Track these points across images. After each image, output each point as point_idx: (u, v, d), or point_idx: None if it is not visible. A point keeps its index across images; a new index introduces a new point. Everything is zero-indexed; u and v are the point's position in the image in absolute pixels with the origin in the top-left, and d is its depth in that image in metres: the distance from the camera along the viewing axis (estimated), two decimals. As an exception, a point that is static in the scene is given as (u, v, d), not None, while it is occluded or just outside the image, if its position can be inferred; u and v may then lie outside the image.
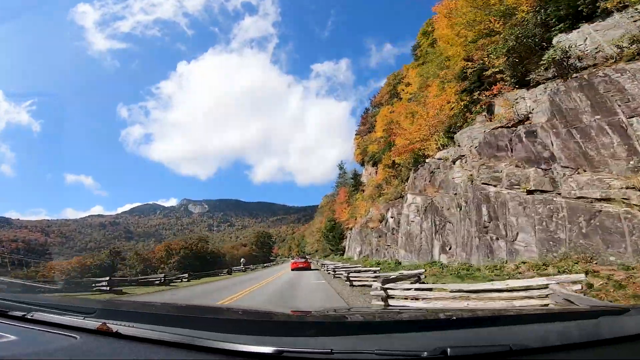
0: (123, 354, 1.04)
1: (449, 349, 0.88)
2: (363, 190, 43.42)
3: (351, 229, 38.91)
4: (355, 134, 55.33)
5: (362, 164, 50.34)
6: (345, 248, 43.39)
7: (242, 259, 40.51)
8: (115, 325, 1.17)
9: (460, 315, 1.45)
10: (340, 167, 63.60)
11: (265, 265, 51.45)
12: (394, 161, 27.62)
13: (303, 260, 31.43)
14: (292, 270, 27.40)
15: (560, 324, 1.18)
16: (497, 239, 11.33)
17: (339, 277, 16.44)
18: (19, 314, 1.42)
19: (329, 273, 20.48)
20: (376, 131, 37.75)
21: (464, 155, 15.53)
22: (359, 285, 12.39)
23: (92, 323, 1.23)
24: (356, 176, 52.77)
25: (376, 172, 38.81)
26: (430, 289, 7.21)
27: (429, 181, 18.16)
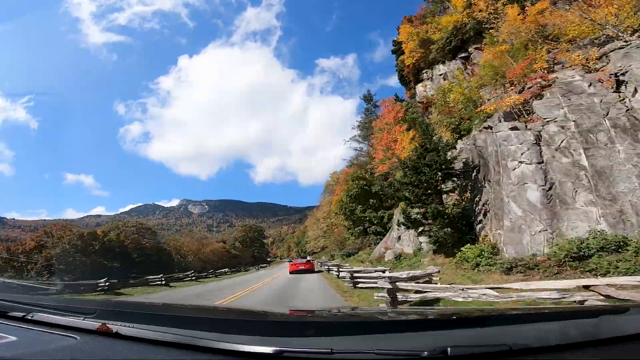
0: (123, 354, 1.05)
1: (449, 349, 0.88)
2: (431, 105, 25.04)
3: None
4: (399, 29, 34.11)
5: (416, 76, 31.71)
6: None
7: None
8: (115, 326, 1.17)
9: (460, 315, 1.45)
10: (368, 99, 44.30)
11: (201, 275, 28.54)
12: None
13: (304, 260, 27.19)
14: (291, 273, 23.24)
15: (560, 323, 1.18)
16: None
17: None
18: (19, 314, 1.42)
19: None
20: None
21: None
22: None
23: (92, 324, 1.24)
24: (399, 100, 35.77)
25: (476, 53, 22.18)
26: None
27: None
